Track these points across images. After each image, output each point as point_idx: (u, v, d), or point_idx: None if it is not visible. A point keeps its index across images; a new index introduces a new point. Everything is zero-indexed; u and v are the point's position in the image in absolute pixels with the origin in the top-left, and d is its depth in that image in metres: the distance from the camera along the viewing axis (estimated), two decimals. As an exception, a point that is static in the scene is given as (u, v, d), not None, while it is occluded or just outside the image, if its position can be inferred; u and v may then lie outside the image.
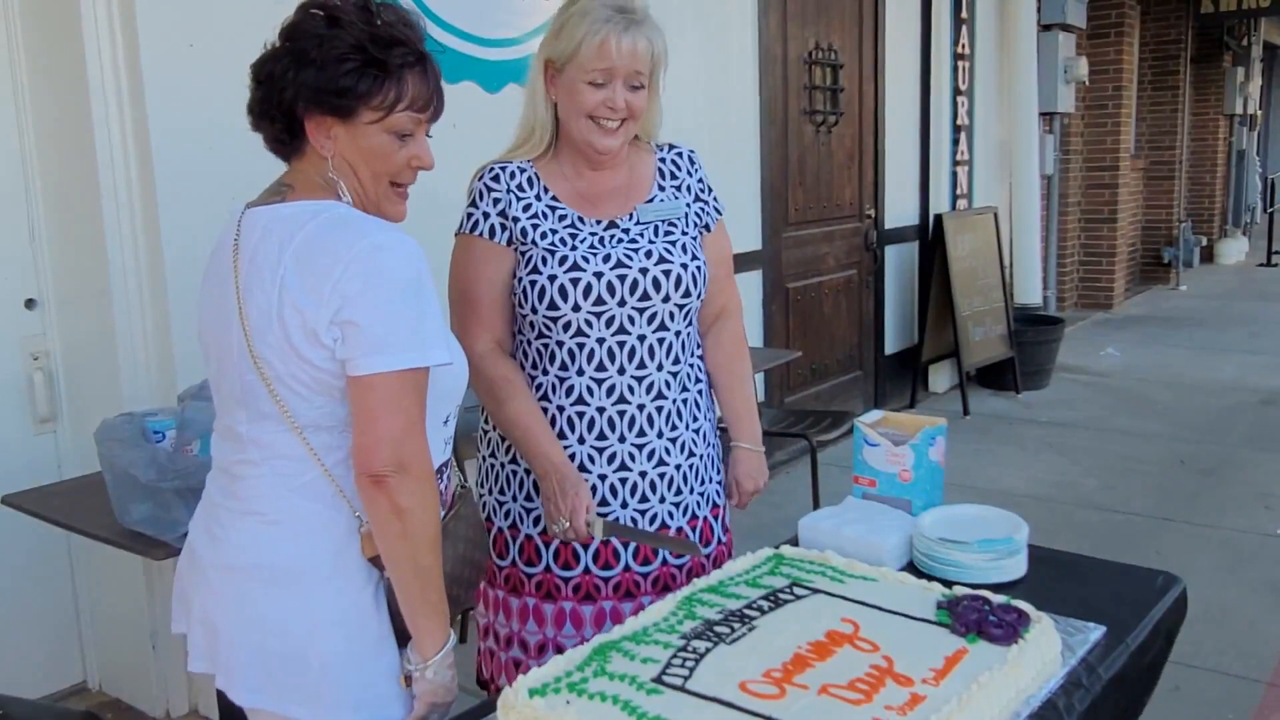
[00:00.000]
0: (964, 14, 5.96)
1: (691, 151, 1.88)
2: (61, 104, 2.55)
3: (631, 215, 1.76)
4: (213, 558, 1.41)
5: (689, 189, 1.83)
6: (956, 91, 5.98)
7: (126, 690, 2.81)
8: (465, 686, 1.98)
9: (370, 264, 1.27)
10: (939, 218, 5.75)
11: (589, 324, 1.69)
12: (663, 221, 1.77)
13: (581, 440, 1.73)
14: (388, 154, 1.36)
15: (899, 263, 5.81)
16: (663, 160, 1.84)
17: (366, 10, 1.34)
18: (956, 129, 6.01)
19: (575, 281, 1.67)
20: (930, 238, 5.84)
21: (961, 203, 6.13)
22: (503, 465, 1.81)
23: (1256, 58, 11.94)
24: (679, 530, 1.80)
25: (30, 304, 2.67)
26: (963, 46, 5.97)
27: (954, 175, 6.05)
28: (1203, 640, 2.96)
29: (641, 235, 1.74)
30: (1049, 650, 1.34)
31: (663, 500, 1.78)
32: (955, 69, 5.94)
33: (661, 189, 1.80)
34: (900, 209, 5.74)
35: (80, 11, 2.43)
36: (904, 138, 5.70)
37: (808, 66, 4.89)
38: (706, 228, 1.84)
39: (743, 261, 4.48)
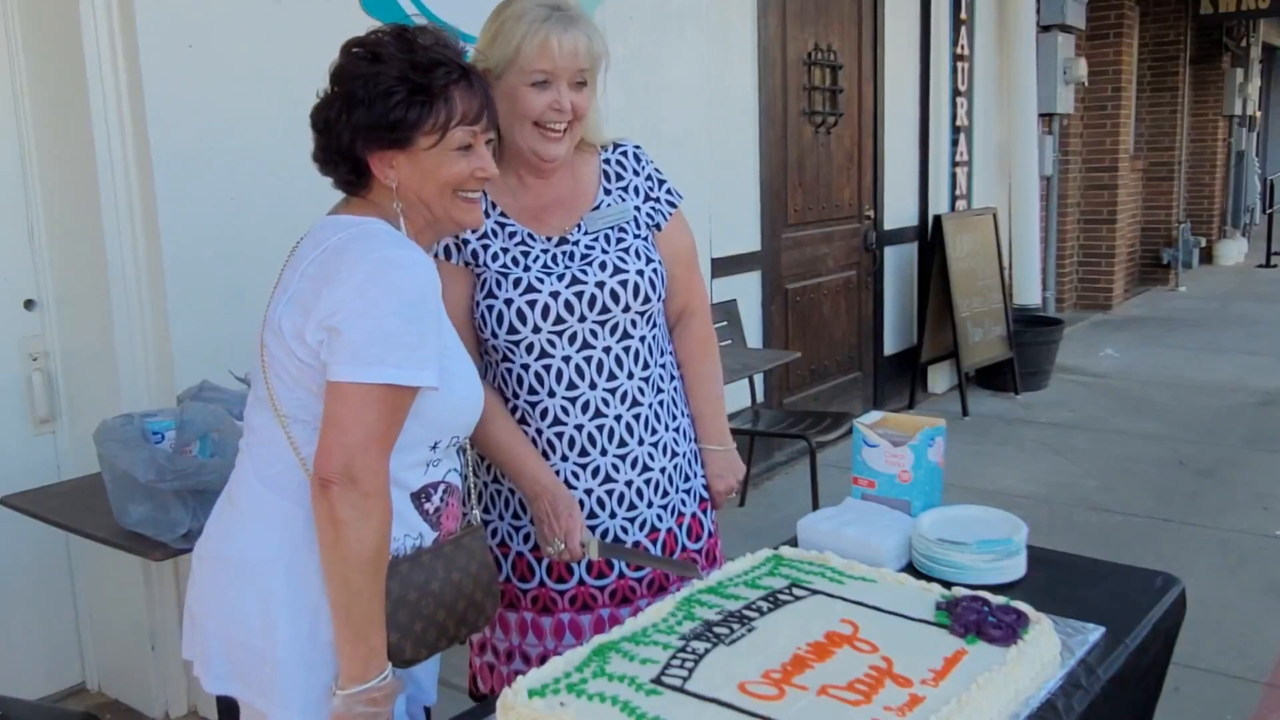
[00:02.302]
0: (963, 15, 5.96)
1: (637, 148, 1.81)
2: (61, 105, 2.55)
3: (580, 226, 1.71)
4: (198, 546, 1.47)
5: (636, 189, 1.77)
6: (956, 92, 5.98)
7: (125, 691, 2.81)
8: (460, 686, 1.99)
9: (371, 274, 1.29)
10: (938, 218, 5.76)
11: (552, 344, 1.67)
12: (612, 229, 1.72)
13: (564, 459, 1.71)
14: (450, 169, 1.39)
15: (898, 264, 5.82)
16: (607, 161, 1.77)
17: (404, 39, 1.37)
18: (956, 130, 6.02)
19: (532, 304, 1.64)
20: (929, 238, 5.85)
21: (960, 203, 6.14)
22: (485, 485, 1.79)
23: (1255, 59, 11.96)
24: (669, 531, 1.79)
25: (30, 304, 2.67)
26: (962, 47, 5.98)
27: (953, 176, 6.05)
28: (1202, 641, 2.97)
29: (593, 247, 1.70)
30: (1048, 651, 1.34)
31: (650, 505, 1.76)
32: (954, 70, 5.95)
33: (607, 192, 1.75)
34: (899, 210, 5.75)
35: (80, 12, 2.43)
36: (903, 139, 5.71)
37: (807, 67, 4.89)
38: (658, 226, 1.78)
39: (742, 262, 4.49)
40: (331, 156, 1.39)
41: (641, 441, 1.74)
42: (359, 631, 1.31)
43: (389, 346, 1.28)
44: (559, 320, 1.65)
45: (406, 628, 1.37)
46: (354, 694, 1.31)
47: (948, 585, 1.51)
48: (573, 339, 1.67)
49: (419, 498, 1.44)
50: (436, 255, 1.67)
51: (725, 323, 4.17)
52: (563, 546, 1.63)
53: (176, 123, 2.51)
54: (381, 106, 1.33)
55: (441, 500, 1.47)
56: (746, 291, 4.51)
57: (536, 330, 1.65)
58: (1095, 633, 1.45)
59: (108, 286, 2.54)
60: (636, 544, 1.76)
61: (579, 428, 1.70)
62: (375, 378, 1.27)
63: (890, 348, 5.79)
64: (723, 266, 4.28)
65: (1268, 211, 12.32)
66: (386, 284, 1.29)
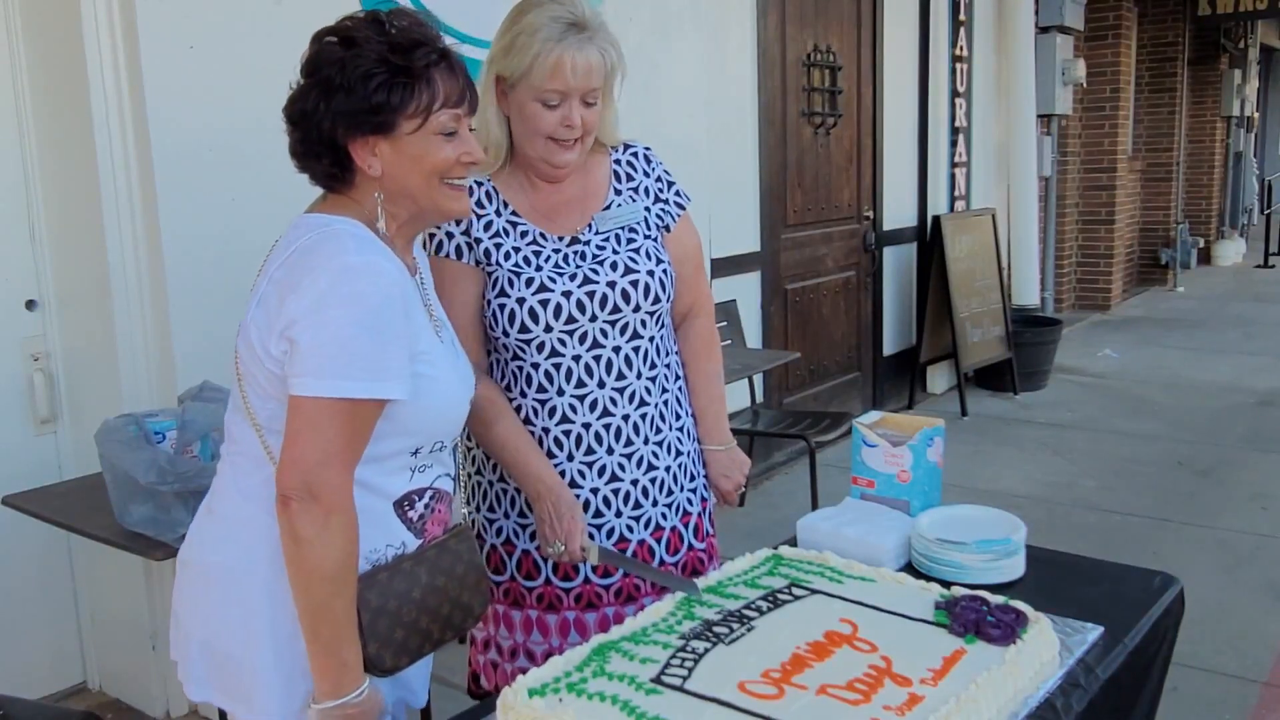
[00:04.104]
0: (962, 16, 5.97)
1: (647, 150, 1.82)
2: (62, 104, 2.55)
3: (590, 226, 1.72)
4: (181, 552, 1.46)
5: (647, 190, 1.79)
6: (954, 93, 5.99)
7: (126, 690, 2.81)
8: (459, 686, 1.99)
9: (331, 284, 1.25)
10: (937, 219, 5.76)
11: (562, 343, 1.68)
12: (623, 229, 1.73)
13: (570, 457, 1.71)
14: (436, 155, 1.35)
15: (897, 264, 5.83)
16: (617, 162, 1.78)
17: (379, 23, 1.33)
18: (954, 131, 6.02)
19: (544, 303, 1.65)
20: (928, 239, 5.86)
21: (959, 204, 6.14)
22: (491, 484, 1.79)
23: (1253, 60, 11.97)
24: (673, 530, 1.80)
25: (31, 305, 2.67)
26: (961, 48, 5.99)
27: (952, 177, 6.06)
28: (1200, 640, 2.97)
29: (604, 247, 1.70)
30: (1047, 650, 1.34)
31: (655, 504, 1.77)
32: (953, 71, 5.95)
33: (618, 193, 1.76)
34: (898, 210, 5.75)
35: (80, 11, 2.43)
36: (902, 139, 5.71)
37: (806, 68, 4.90)
38: (667, 228, 1.80)
39: (741, 263, 4.49)
40: (312, 148, 1.34)
41: (647, 441, 1.75)
42: (328, 647, 1.29)
43: (347, 359, 1.25)
44: (570, 319, 1.66)
45: (386, 637, 1.35)
46: (328, 709, 1.29)
47: (947, 585, 1.52)
48: (583, 338, 1.68)
49: (402, 505, 1.41)
50: (448, 255, 1.68)
51: (725, 323, 4.18)
52: (563, 549, 1.63)
53: (178, 123, 2.51)
54: (362, 90, 1.29)
55: (427, 507, 1.45)
56: (746, 292, 4.52)
57: (548, 329, 1.66)
58: (1094, 632, 1.45)
59: (109, 287, 2.54)
60: (642, 543, 1.77)
61: (586, 426, 1.71)
62: (332, 391, 1.24)
63: (889, 348, 5.80)
64: (722, 267, 4.29)
65: (1265, 212, 12.33)
66: (347, 293, 1.25)
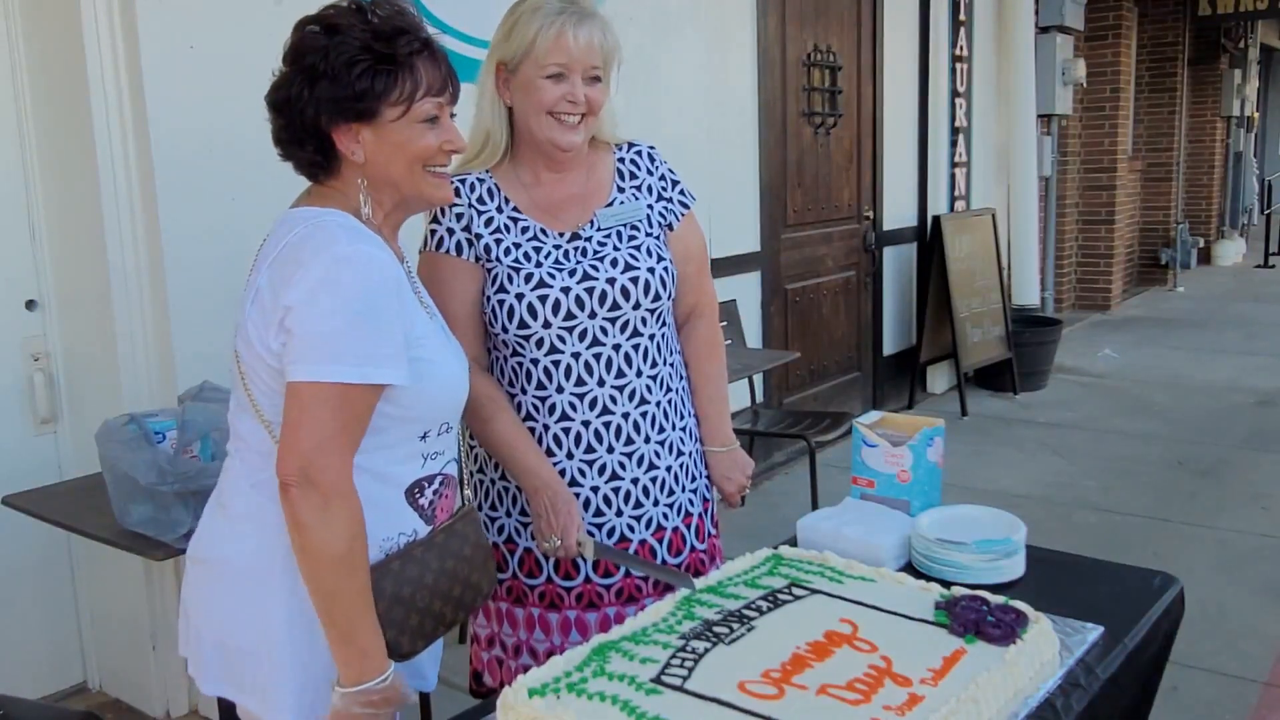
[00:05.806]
0: (962, 16, 5.97)
1: (651, 149, 1.83)
2: (62, 104, 2.55)
3: (592, 223, 1.72)
4: (191, 548, 1.46)
5: (650, 189, 1.79)
6: (955, 93, 5.99)
7: (126, 690, 2.81)
8: (459, 686, 1.99)
9: (324, 274, 1.27)
10: (937, 219, 5.76)
11: (562, 339, 1.68)
12: (625, 226, 1.73)
13: (570, 455, 1.72)
14: (419, 142, 1.36)
15: (897, 264, 5.83)
16: (621, 160, 1.79)
17: (361, 11, 1.35)
18: (955, 131, 6.02)
19: (543, 298, 1.65)
20: (928, 239, 5.86)
21: (959, 204, 6.14)
22: (493, 482, 1.79)
23: (1253, 60, 11.96)
24: (675, 530, 1.80)
25: (31, 305, 2.67)
26: (961, 48, 5.99)
27: (952, 177, 6.06)
28: (1200, 641, 2.97)
29: (605, 243, 1.71)
30: (1047, 650, 1.34)
31: (656, 503, 1.77)
32: (953, 71, 5.95)
33: (621, 190, 1.77)
34: (898, 210, 5.75)
35: (80, 12, 2.43)
36: (902, 139, 5.71)
37: (806, 68, 4.90)
38: (670, 226, 1.80)
39: (741, 263, 4.49)
40: (295, 135, 1.35)
41: (648, 440, 1.75)
42: (345, 634, 1.30)
43: (340, 346, 1.26)
44: (569, 316, 1.66)
45: (403, 624, 1.37)
46: (352, 694, 1.31)
47: (947, 585, 1.52)
48: (583, 335, 1.68)
49: (412, 492, 1.43)
50: (448, 251, 1.68)
51: (725, 323, 4.16)
52: (559, 543, 1.63)
53: (177, 123, 2.51)
54: (345, 77, 1.31)
55: (436, 493, 1.46)
56: (746, 292, 4.52)
57: (547, 325, 1.66)
58: (1094, 632, 1.45)
59: (109, 287, 2.54)
60: (643, 543, 1.77)
61: (586, 424, 1.71)
62: (324, 376, 1.26)
63: (889, 348, 5.80)
64: (722, 267, 4.28)
65: (1265, 212, 12.34)
66: (339, 283, 1.27)
